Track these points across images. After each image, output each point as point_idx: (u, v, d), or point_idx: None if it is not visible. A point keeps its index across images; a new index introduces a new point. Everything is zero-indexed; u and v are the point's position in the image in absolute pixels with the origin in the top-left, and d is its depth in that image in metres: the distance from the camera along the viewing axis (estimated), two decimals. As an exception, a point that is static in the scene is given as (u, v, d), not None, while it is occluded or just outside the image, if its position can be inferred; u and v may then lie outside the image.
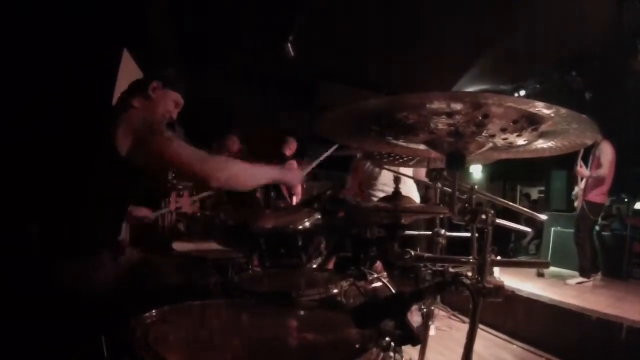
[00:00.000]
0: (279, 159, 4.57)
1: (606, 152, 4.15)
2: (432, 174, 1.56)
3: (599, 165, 4.18)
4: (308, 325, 1.09)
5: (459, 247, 1.59)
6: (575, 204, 4.48)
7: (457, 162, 0.90)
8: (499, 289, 0.82)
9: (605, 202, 4.41)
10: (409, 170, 2.94)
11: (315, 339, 0.99)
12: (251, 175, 1.55)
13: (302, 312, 1.16)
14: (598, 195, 4.24)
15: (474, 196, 1.12)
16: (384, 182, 3.40)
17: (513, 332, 3.45)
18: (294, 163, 4.44)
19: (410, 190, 3.22)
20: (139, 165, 1.40)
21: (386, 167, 2.51)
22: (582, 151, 4.29)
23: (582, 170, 4.32)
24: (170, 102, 1.67)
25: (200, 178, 1.43)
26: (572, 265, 4.58)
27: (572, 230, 4.58)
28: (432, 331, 2.13)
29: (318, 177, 6.23)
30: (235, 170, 1.49)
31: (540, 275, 4.53)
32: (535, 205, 8.62)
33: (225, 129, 4.77)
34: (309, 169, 1.93)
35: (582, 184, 4.36)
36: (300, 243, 1.95)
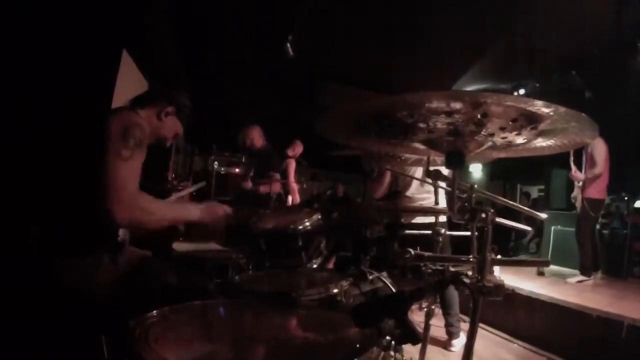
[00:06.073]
0: (281, 158, 4.51)
1: (599, 149, 4.13)
2: (432, 173, 1.56)
3: (592, 163, 4.18)
4: (308, 325, 1.09)
5: (459, 246, 1.59)
6: (576, 204, 4.48)
7: (457, 161, 0.90)
8: (499, 287, 0.82)
9: (605, 198, 4.39)
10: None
11: (315, 338, 0.98)
12: (172, 215, 1.45)
13: (302, 312, 1.16)
14: (597, 192, 4.23)
15: (473, 195, 1.12)
16: (412, 192, 3.08)
17: (513, 331, 3.46)
18: (292, 162, 4.41)
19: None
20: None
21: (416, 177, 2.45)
22: (572, 154, 4.32)
23: (577, 174, 4.35)
24: (172, 131, 1.66)
25: (114, 209, 1.26)
26: (573, 264, 4.58)
27: (572, 229, 4.57)
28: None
29: (318, 177, 6.22)
30: (161, 215, 1.39)
31: (541, 274, 4.52)
32: (536, 204, 8.61)
33: (224, 130, 4.72)
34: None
35: (580, 183, 4.37)
36: (300, 243, 1.95)
